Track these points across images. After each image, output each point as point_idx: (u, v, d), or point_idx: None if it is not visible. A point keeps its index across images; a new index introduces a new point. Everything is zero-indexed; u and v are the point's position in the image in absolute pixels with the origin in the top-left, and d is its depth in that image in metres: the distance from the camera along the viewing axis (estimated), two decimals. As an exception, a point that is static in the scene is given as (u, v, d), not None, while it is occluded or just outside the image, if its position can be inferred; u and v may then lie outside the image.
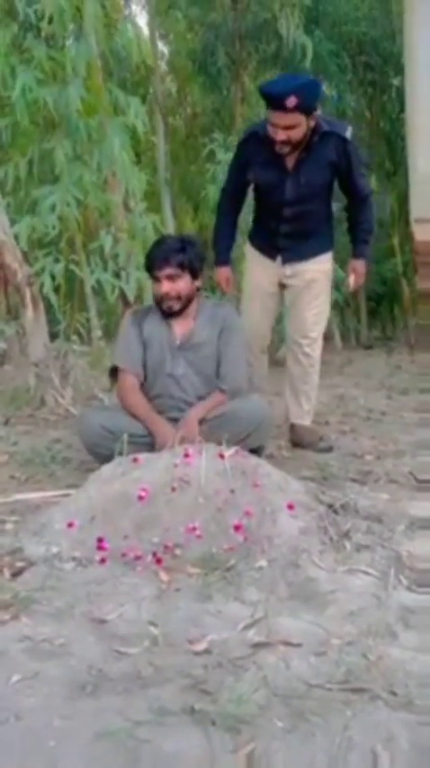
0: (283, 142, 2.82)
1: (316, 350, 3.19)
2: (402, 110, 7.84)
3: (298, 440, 3.21)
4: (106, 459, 2.33)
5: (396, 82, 8.26)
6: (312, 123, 2.85)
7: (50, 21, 3.85)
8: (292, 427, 3.25)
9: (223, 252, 3.18)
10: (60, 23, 3.85)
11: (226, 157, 5.70)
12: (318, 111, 2.89)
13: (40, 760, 1.06)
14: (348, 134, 2.91)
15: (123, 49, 4.38)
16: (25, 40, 3.99)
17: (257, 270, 3.18)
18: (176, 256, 2.54)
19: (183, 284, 2.56)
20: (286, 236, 3.05)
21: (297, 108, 2.72)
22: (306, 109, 2.76)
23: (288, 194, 2.94)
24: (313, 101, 2.81)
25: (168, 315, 2.61)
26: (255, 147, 2.96)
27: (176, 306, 2.58)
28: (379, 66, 8.19)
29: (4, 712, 1.15)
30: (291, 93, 2.70)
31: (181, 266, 2.54)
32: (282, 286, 3.17)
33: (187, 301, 2.60)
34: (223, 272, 3.19)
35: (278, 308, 3.25)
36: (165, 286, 2.55)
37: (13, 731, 1.11)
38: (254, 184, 3.07)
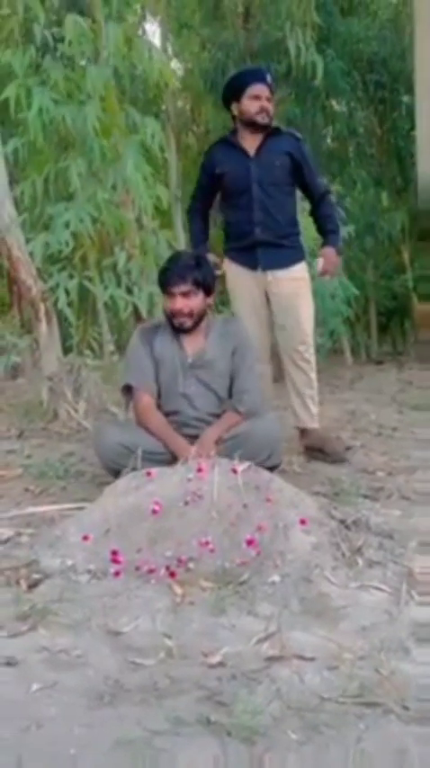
0: (264, 109, 3.18)
1: (313, 354, 3.30)
2: (412, 127, 7.91)
3: (312, 443, 3.25)
4: (120, 473, 2.37)
5: (406, 99, 8.34)
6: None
7: (69, 44, 3.93)
8: (305, 432, 3.29)
9: (199, 242, 3.35)
10: (78, 45, 3.93)
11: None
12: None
13: (62, 767, 1.08)
14: (299, 135, 3.35)
15: (141, 69, 4.45)
16: (43, 60, 4.07)
17: (242, 282, 3.26)
18: (192, 273, 2.55)
19: (197, 301, 2.58)
20: (261, 225, 3.17)
21: (268, 85, 3.22)
22: (272, 89, 3.25)
23: (253, 174, 3.19)
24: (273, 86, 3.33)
25: (179, 331, 2.62)
26: (222, 148, 3.31)
27: (188, 322, 2.58)
28: (389, 84, 8.26)
29: (26, 720, 1.18)
30: (267, 71, 3.30)
31: (196, 283, 2.56)
32: (266, 295, 3.24)
33: (199, 318, 2.61)
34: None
35: (270, 316, 3.29)
36: (179, 302, 2.55)
37: (34, 738, 1.14)
38: (220, 180, 3.25)
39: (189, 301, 2.56)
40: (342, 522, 2.18)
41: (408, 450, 3.44)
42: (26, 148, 4.06)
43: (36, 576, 1.82)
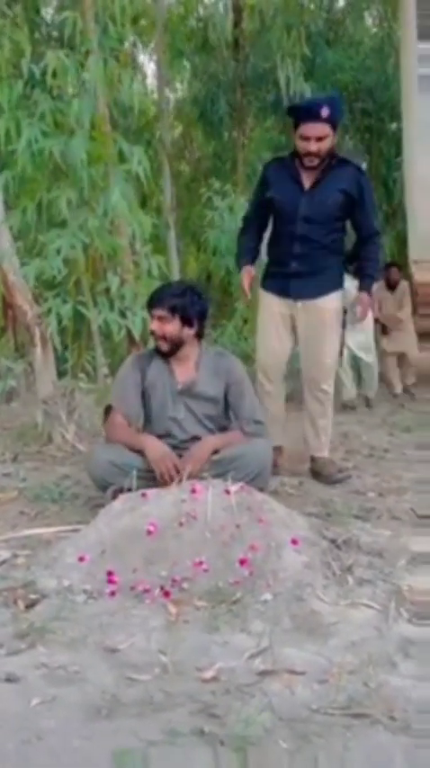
0: (313, 153, 3.02)
1: (331, 385, 3.35)
2: (399, 154, 8.07)
3: (318, 470, 3.33)
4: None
5: (392, 127, 8.51)
6: (334, 141, 3.07)
7: (55, 76, 4.03)
8: (313, 459, 3.38)
9: (246, 255, 3.30)
10: (65, 78, 4.03)
11: (223, 204, 5.92)
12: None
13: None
14: (363, 166, 3.14)
15: (127, 99, 4.56)
16: (31, 93, 4.16)
17: (272, 307, 3.27)
18: (170, 300, 2.64)
19: (170, 328, 2.65)
20: (298, 259, 3.15)
21: (328, 119, 2.98)
22: (334, 121, 3.02)
23: (302, 210, 3.11)
24: (339, 114, 3.10)
25: (161, 354, 2.71)
26: (278, 168, 3.22)
27: (164, 346, 2.67)
28: (375, 112, 8.45)
29: (27, 732, 1.22)
30: (324, 103, 3.01)
31: (171, 310, 2.63)
32: (294, 322, 3.26)
33: (173, 345, 2.68)
34: (248, 270, 3.26)
35: (293, 339, 3.31)
36: (154, 324, 2.68)
37: (35, 750, 1.18)
38: (270, 204, 3.20)
39: (163, 325, 2.65)
40: (333, 541, 2.22)
41: (399, 472, 3.50)
42: (17, 179, 4.14)
43: (33, 597, 1.86)
